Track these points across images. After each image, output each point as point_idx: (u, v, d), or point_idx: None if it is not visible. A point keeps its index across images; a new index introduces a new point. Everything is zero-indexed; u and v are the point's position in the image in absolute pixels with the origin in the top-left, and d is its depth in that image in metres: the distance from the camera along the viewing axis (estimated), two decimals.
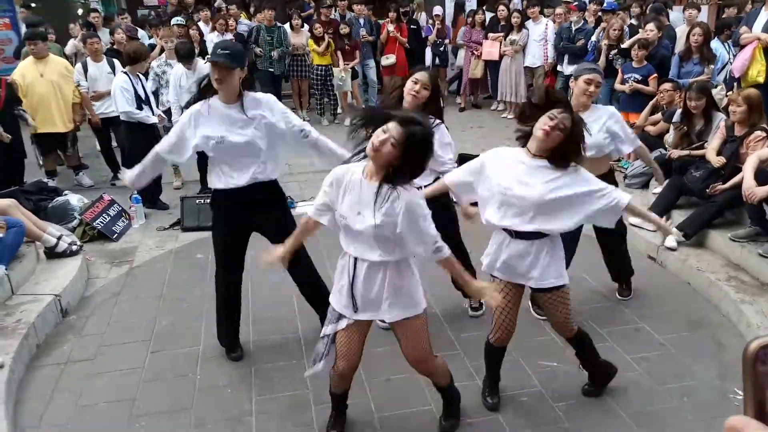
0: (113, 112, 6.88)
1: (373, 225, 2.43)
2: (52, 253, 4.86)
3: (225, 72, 3.18)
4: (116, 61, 7.07)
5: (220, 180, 3.41)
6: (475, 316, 4.15)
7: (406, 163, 2.37)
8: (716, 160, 4.85)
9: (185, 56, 6.37)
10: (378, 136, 2.34)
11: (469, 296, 4.15)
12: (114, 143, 7.30)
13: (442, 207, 3.67)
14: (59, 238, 4.90)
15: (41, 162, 7.12)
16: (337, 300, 2.73)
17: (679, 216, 5.06)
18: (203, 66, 6.41)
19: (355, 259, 2.59)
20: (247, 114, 3.29)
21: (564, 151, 2.72)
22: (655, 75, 6.87)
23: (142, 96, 6.17)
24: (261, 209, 3.50)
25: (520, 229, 2.81)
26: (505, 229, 2.88)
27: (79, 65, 7.02)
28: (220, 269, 3.68)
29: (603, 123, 3.70)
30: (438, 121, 3.51)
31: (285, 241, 2.88)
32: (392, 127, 2.33)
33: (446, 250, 2.57)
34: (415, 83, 3.47)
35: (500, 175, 2.80)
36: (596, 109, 3.79)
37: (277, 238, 3.61)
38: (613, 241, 4.16)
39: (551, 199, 2.72)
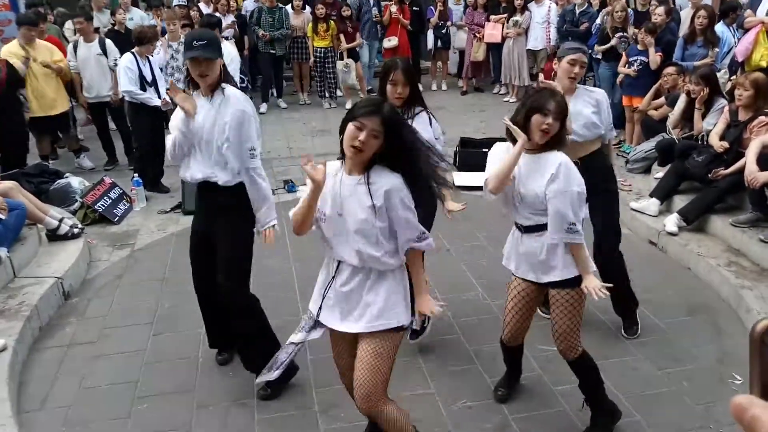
0: (107, 97, 6.86)
1: (358, 219, 2.31)
2: (53, 236, 4.87)
3: (207, 64, 2.99)
4: (108, 42, 7.02)
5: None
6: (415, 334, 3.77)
7: (392, 146, 2.31)
8: (719, 145, 4.83)
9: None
10: (355, 136, 2.25)
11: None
12: (113, 126, 7.27)
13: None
14: (61, 221, 4.91)
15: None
16: (313, 301, 2.56)
17: (680, 201, 5.06)
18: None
19: (339, 262, 2.44)
20: (221, 107, 3.09)
21: (553, 140, 2.71)
22: (660, 53, 6.80)
23: (148, 78, 6.15)
24: (218, 214, 3.27)
25: (526, 224, 2.81)
26: (516, 224, 2.88)
27: (70, 46, 6.96)
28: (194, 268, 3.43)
29: (595, 104, 3.52)
30: (419, 108, 3.41)
31: None
32: (365, 121, 2.25)
33: (430, 240, 2.46)
34: (395, 85, 3.28)
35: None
36: (585, 92, 3.58)
37: (223, 250, 3.27)
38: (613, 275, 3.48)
39: (548, 199, 2.68)
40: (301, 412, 3.20)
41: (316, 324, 2.55)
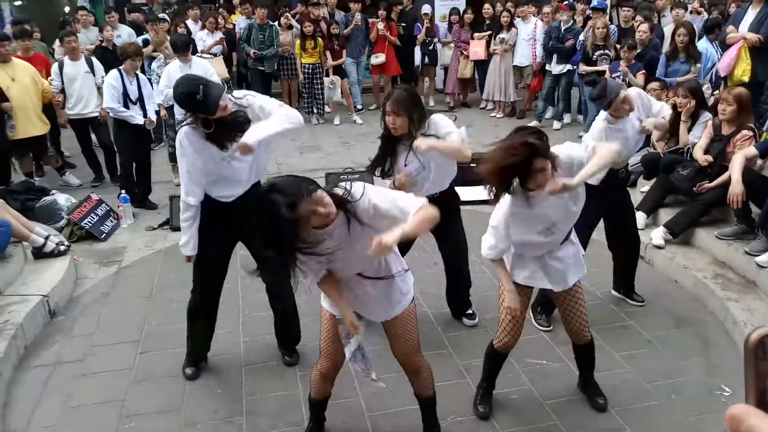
0: (91, 113, 6.83)
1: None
2: (39, 254, 4.83)
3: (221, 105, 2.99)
4: (94, 60, 7.00)
5: (218, 193, 3.25)
6: (472, 325, 4.10)
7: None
8: (703, 159, 4.89)
9: (181, 48, 6.30)
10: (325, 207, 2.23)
11: (462, 307, 4.15)
12: (95, 142, 7.22)
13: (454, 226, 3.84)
14: (47, 238, 4.87)
15: (16, 167, 6.94)
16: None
17: (666, 214, 5.10)
18: (198, 60, 6.37)
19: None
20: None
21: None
22: (644, 71, 6.90)
23: (133, 96, 6.13)
24: (247, 217, 3.34)
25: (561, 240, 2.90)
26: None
27: (55, 65, 6.87)
28: (199, 285, 3.51)
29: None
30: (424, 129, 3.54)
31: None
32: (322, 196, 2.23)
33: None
34: (388, 116, 3.42)
35: (524, 225, 2.83)
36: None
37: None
38: (628, 250, 4.25)
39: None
40: (291, 428, 3.17)
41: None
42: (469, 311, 4.13)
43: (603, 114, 3.81)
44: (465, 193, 6.27)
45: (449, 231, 3.86)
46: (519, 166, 2.52)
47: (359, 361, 2.68)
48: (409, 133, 3.44)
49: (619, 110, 3.69)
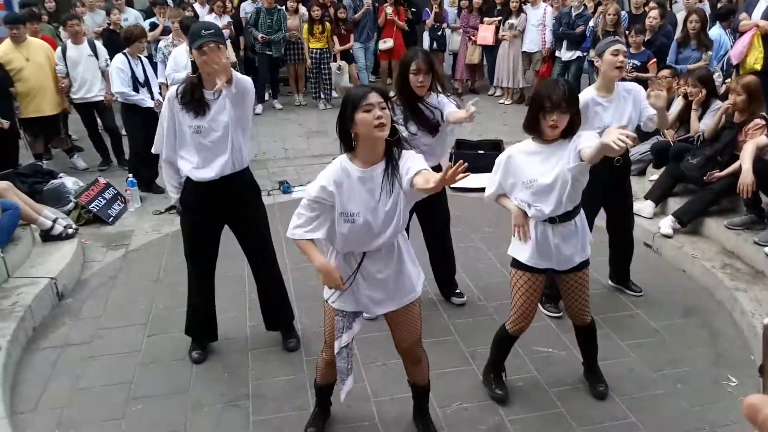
0: (95, 97, 6.81)
1: (394, 203, 2.40)
2: (47, 236, 4.85)
3: (219, 53, 2.97)
4: (98, 43, 6.99)
5: (191, 172, 3.26)
6: (461, 304, 4.15)
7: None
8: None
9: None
10: (374, 115, 2.28)
11: (451, 288, 4.19)
12: (101, 126, 7.22)
13: (440, 204, 3.83)
14: (55, 221, 4.89)
15: (27, 146, 6.95)
16: (350, 301, 2.61)
17: (675, 203, 5.07)
18: None
19: (363, 254, 2.51)
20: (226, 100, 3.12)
21: (570, 128, 2.77)
22: (654, 60, 6.84)
23: (140, 78, 6.11)
24: (232, 202, 3.38)
25: (558, 213, 2.84)
26: (545, 220, 2.88)
27: (59, 49, 6.83)
28: (188, 263, 3.59)
29: (631, 99, 3.69)
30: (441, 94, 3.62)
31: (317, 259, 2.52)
32: (371, 96, 2.31)
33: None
34: (417, 74, 3.45)
35: (522, 169, 2.84)
36: (622, 89, 3.72)
37: (247, 235, 3.53)
38: (622, 238, 4.19)
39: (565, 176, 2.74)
40: (297, 413, 3.19)
41: (353, 318, 2.63)
42: (458, 290, 4.19)
43: (592, 88, 3.75)
44: (460, 180, 6.28)
45: (434, 212, 3.89)
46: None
47: (344, 359, 2.65)
48: (429, 92, 3.53)
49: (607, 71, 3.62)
